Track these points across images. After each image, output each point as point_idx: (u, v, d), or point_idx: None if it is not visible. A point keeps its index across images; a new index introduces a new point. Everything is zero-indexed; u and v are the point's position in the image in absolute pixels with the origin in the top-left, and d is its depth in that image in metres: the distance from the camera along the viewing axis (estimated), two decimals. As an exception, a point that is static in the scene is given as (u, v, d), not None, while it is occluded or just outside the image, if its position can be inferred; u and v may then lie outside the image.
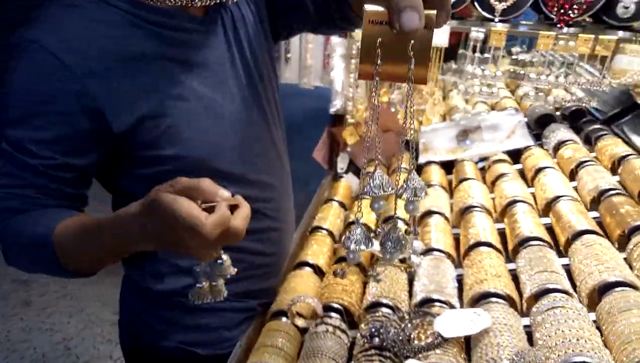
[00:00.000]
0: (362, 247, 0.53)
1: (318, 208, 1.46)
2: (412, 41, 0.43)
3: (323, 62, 1.67)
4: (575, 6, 1.39)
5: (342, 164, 1.63)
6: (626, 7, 1.39)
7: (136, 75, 0.68)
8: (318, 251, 1.17)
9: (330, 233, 1.26)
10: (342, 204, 1.43)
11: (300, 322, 0.93)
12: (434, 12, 0.43)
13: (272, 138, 0.92)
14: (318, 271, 1.10)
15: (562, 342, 0.71)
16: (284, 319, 0.94)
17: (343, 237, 0.55)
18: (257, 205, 0.88)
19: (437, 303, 0.87)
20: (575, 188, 1.22)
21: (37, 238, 0.67)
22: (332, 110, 1.61)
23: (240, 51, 0.83)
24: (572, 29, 1.47)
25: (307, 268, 1.10)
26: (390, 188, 0.51)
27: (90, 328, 2.47)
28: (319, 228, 1.26)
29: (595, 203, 1.13)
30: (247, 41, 0.84)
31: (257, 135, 0.87)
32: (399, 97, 1.50)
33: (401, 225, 0.56)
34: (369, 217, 1.28)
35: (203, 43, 0.76)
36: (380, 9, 0.44)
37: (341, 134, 1.60)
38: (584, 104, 1.55)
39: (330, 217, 1.32)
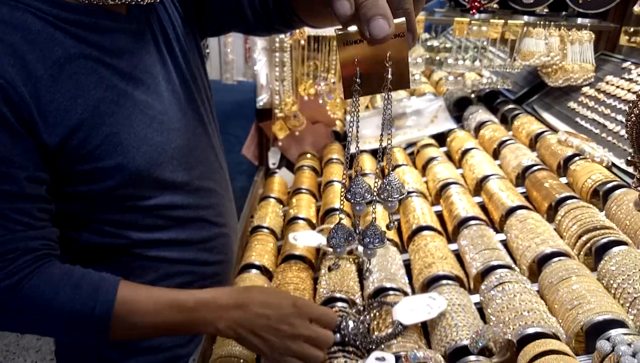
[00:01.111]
0: (345, 244, 0.58)
1: (254, 206, 1.43)
2: (389, 52, 0.44)
3: (245, 56, 1.62)
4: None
5: (273, 159, 1.61)
6: (530, -7, 1.49)
7: (64, 80, 0.61)
8: (262, 251, 1.14)
9: (272, 231, 1.23)
10: (279, 200, 1.40)
11: (255, 327, 0.90)
12: (403, 19, 0.44)
13: (210, 141, 0.87)
14: (265, 271, 1.08)
15: (515, 315, 0.75)
16: (237, 326, 0.91)
17: (327, 236, 0.58)
18: (201, 213, 0.84)
19: (390, 292, 0.89)
20: (500, 166, 1.30)
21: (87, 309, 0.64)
22: (259, 104, 1.58)
23: (171, 53, 0.78)
24: (482, 15, 1.55)
25: (254, 271, 1.07)
26: (369, 195, 0.54)
27: (12, 359, 2.25)
28: (260, 227, 1.23)
29: (520, 179, 1.21)
30: (176, 42, 0.79)
31: (196, 139, 0.82)
32: (325, 89, 1.49)
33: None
34: (305, 205, 1.28)
35: (131, 45, 0.70)
36: (351, 29, 0.44)
37: (270, 129, 1.57)
38: (498, 86, 1.65)
39: (270, 214, 1.29)
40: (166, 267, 0.82)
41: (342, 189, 0.54)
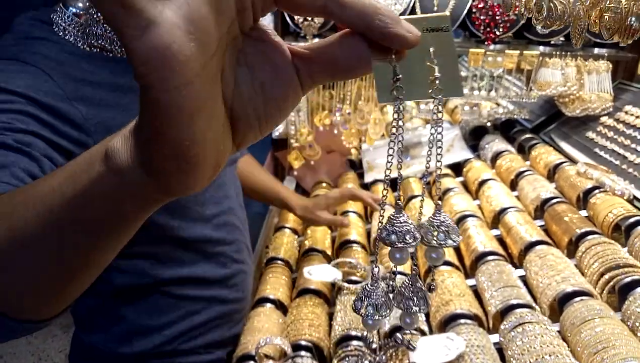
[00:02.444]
0: (381, 314, 0.37)
1: (269, 236, 1.42)
2: (432, 48, 0.33)
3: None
4: (500, 24, 1.47)
5: (289, 187, 1.61)
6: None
7: (117, 104, 0.64)
8: (276, 284, 1.13)
9: (287, 263, 1.23)
10: (294, 230, 1.40)
11: (269, 365, 0.89)
12: (445, 13, 0.36)
13: (233, 175, 0.89)
14: (280, 306, 1.07)
15: (536, 359, 0.73)
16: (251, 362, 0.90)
17: (354, 299, 0.38)
18: (225, 249, 0.84)
19: (407, 330, 0.87)
20: (518, 198, 1.28)
21: None
22: (275, 134, 1.59)
23: None
24: (498, 46, 1.55)
25: (269, 305, 1.06)
26: (416, 237, 0.35)
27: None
28: (274, 259, 1.23)
29: (538, 211, 1.19)
30: None
31: (225, 173, 0.84)
32: (341, 119, 1.50)
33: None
34: (320, 236, 1.27)
35: None
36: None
37: (286, 158, 1.58)
38: (514, 116, 1.64)
39: (285, 246, 1.29)
40: (189, 305, 0.82)
41: (379, 223, 0.36)
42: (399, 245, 0.35)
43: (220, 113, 0.28)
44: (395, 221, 0.36)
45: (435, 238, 0.36)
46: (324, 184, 1.63)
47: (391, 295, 0.40)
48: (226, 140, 0.30)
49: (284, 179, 1.62)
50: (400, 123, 0.35)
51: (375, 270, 0.39)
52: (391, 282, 0.40)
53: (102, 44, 0.65)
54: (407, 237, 0.35)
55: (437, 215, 0.37)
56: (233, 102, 0.29)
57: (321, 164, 1.62)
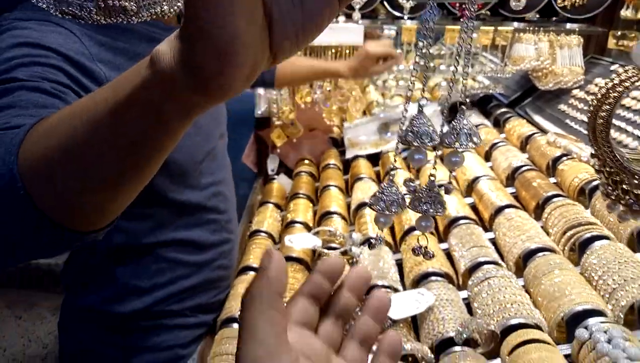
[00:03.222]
0: (391, 212, 0.41)
1: (253, 211, 1.46)
2: None
3: (243, 67, 1.67)
4: (475, 1, 1.51)
5: (272, 165, 1.64)
6: (518, 1, 1.53)
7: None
8: (260, 253, 1.17)
9: (270, 236, 1.27)
10: (277, 205, 1.44)
11: (252, 326, 0.93)
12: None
13: (224, 148, 0.94)
14: (263, 273, 1.11)
15: (499, 308, 0.78)
16: (235, 325, 0.94)
17: (370, 200, 0.42)
18: (218, 217, 0.89)
19: (382, 289, 0.92)
20: (492, 168, 1.33)
21: None
22: (257, 113, 1.62)
23: None
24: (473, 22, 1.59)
25: (252, 273, 1.10)
26: (432, 138, 0.38)
27: (16, 368, 2.29)
28: (258, 231, 1.27)
29: (510, 179, 1.24)
30: None
31: (219, 146, 0.89)
32: (322, 97, 1.54)
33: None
34: (302, 209, 1.31)
35: None
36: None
37: (269, 136, 1.61)
38: (490, 91, 1.68)
39: (268, 219, 1.33)
40: (180, 269, 0.87)
41: (400, 130, 0.38)
42: (416, 144, 0.39)
43: (259, 16, 0.30)
44: (417, 118, 0.39)
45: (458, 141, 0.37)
46: (306, 161, 1.67)
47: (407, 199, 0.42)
48: (264, 44, 0.31)
49: (267, 157, 1.66)
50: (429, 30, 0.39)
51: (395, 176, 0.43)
52: (411, 184, 0.43)
53: (73, 10, 0.69)
54: (424, 138, 0.37)
55: (462, 121, 0.39)
56: (272, 10, 0.31)
57: (303, 141, 1.66)
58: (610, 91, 0.40)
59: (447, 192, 0.43)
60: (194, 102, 0.33)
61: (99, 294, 0.81)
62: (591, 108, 0.46)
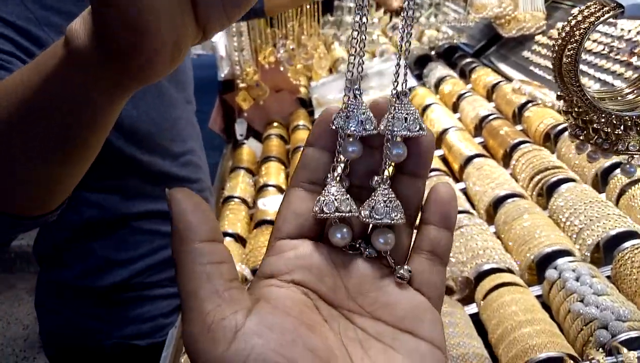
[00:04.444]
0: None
1: (225, 178, 1.44)
2: None
3: (202, 29, 1.61)
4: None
5: (240, 130, 1.62)
6: (479, -54, 1.51)
7: None
8: (234, 219, 1.17)
9: (244, 201, 1.26)
10: (248, 170, 1.43)
11: (231, 291, 0.93)
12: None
13: (193, 116, 0.92)
14: (239, 239, 1.11)
15: (472, 255, 0.80)
16: (214, 292, 0.94)
17: (316, 203, 0.29)
18: (191, 186, 0.87)
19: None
20: (460, 119, 1.34)
21: None
22: (220, 76, 1.58)
23: None
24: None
25: (227, 238, 1.10)
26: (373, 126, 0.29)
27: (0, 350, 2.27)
28: (231, 197, 1.26)
29: (478, 129, 1.25)
30: None
31: (187, 115, 0.87)
32: (285, 55, 1.50)
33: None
34: (274, 172, 1.30)
35: None
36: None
37: (234, 100, 1.57)
38: (454, 41, 1.67)
39: (240, 185, 1.32)
40: (158, 240, 0.86)
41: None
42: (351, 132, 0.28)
43: None
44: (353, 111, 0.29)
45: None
46: (275, 124, 1.65)
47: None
48: (185, 16, 0.28)
49: (234, 122, 1.63)
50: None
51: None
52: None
53: None
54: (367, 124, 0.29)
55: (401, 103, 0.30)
56: None
57: (271, 103, 1.63)
58: (575, 28, 0.39)
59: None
60: (117, 83, 0.31)
61: (75, 269, 0.80)
62: (556, 48, 0.46)
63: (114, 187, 0.76)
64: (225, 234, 1.11)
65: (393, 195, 0.29)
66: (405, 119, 0.29)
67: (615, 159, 0.87)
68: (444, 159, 1.18)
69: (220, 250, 0.25)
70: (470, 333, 0.68)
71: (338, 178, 0.29)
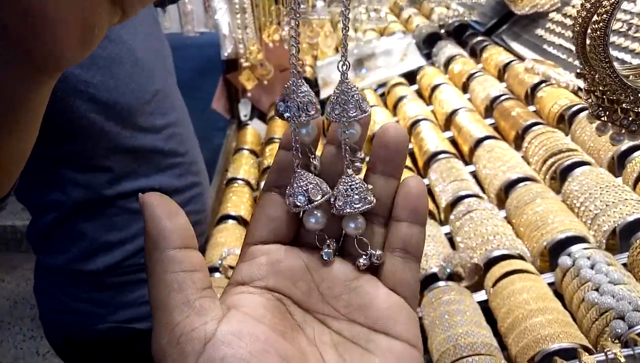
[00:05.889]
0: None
1: (229, 159, 1.42)
2: None
3: (204, 5, 1.57)
4: None
5: (244, 110, 1.59)
6: None
7: None
8: (238, 202, 1.14)
9: (247, 183, 1.24)
10: (252, 151, 1.40)
11: (234, 275, 0.92)
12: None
13: (176, 89, 0.88)
14: (242, 222, 1.09)
15: (482, 241, 0.77)
16: (217, 275, 0.92)
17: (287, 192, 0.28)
18: (178, 160, 0.84)
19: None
20: (470, 100, 1.30)
21: None
22: (223, 55, 1.54)
23: None
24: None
25: (231, 221, 1.08)
26: (314, 110, 0.29)
27: (7, 329, 2.28)
28: (234, 179, 1.23)
29: (488, 110, 1.21)
30: None
31: (168, 86, 0.83)
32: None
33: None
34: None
35: None
36: None
37: (238, 80, 1.54)
38: (465, 18, 1.62)
39: (244, 166, 1.29)
40: None
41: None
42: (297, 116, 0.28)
43: None
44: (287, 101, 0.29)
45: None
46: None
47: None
48: None
49: (238, 102, 1.59)
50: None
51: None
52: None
53: None
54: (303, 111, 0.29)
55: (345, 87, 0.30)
56: None
57: (275, 83, 1.59)
58: (604, -1, 0.36)
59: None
60: (23, 75, 0.28)
61: (67, 253, 0.78)
62: (579, 20, 0.42)
63: (98, 167, 0.74)
64: (229, 217, 1.09)
65: (360, 181, 0.28)
66: (349, 101, 0.29)
67: (632, 142, 0.84)
68: (453, 141, 1.15)
69: (194, 257, 0.24)
70: (478, 322, 0.65)
71: (302, 166, 0.28)
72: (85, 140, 0.70)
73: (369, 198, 0.28)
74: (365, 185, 0.28)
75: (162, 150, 0.81)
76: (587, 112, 0.47)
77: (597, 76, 0.43)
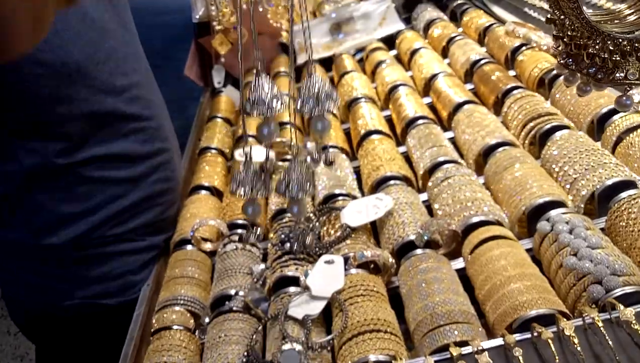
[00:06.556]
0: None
1: (202, 128, 1.37)
2: None
3: (175, -34, 1.48)
4: None
5: (218, 77, 1.53)
6: None
7: None
8: (211, 172, 1.11)
9: (221, 152, 1.20)
10: (226, 120, 1.35)
11: (207, 246, 0.89)
12: None
13: (139, 49, 0.83)
14: (215, 192, 1.05)
15: (459, 207, 0.75)
16: (189, 247, 0.89)
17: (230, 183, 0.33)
18: (143, 124, 0.80)
19: (340, 198, 0.88)
20: (449, 64, 1.27)
21: None
22: (195, 18, 1.47)
23: None
24: None
25: (204, 192, 1.04)
26: (279, 101, 0.32)
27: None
28: (207, 148, 1.19)
29: (469, 75, 1.18)
30: None
31: (127, 46, 0.78)
32: (265, -5, 1.39)
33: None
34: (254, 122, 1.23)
35: None
36: None
37: (210, 44, 1.47)
38: (446, -20, 1.57)
39: (217, 135, 1.25)
40: (112, 188, 0.79)
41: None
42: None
43: None
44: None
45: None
46: (254, 70, 1.56)
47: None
48: None
49: (211, 68, 1.53)
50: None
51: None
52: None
53: None
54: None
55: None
56: None
57: (250, 48, 1.53)
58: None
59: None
60: None
61: (26, 227, 0.74)
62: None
63: (54, 133, 0.69)
64: (202, 187, 1.05)
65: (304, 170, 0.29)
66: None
67: (612, 105, 0.82)
68: (432, 107, 1.12)
69: None
70: (456, 290, 0.64)
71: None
72: (37, 106, 0.65)
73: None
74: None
75: (123, 113, 0.76)
76: (578, 84, 0.45)
77: (567, 21, 0.41)
